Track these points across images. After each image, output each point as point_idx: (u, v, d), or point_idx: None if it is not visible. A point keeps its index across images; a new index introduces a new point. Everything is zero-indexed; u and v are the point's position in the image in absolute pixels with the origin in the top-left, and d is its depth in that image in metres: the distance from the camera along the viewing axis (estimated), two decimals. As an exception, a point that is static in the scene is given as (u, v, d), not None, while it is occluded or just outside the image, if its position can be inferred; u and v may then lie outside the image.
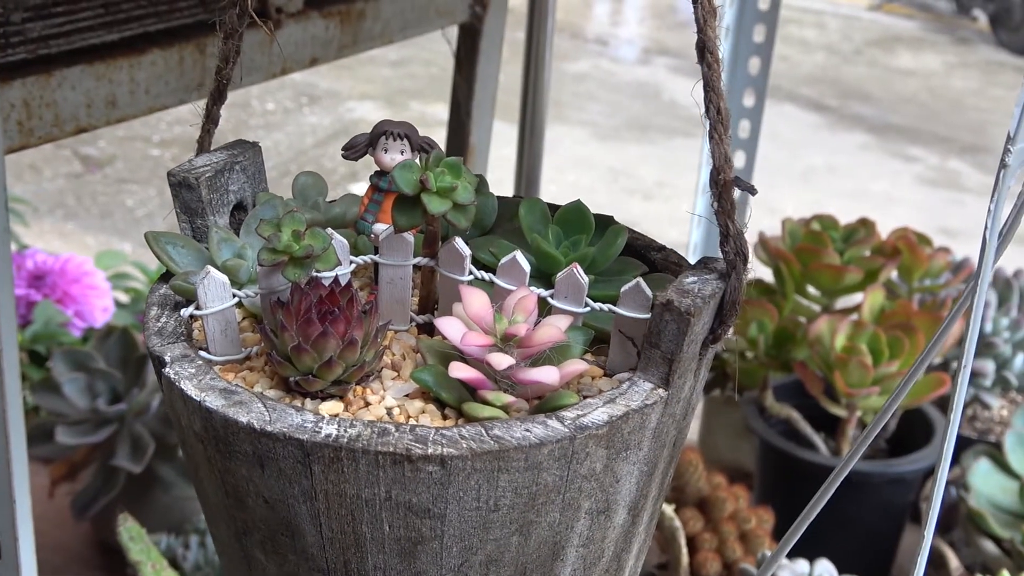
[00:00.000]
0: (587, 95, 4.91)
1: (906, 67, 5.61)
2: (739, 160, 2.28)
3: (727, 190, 0.71)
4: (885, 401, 0.81)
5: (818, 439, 1.76)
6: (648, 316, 0.72)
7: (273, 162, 3.85)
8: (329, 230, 0.76)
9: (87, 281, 2.09)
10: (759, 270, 2.27)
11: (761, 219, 3.16)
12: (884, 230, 1.97)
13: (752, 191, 0.71)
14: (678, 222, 3.44)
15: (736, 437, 1.97)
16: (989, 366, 1.88)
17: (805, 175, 4.11)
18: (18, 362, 1.05)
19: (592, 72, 5.23)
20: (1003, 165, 0.66)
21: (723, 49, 2.20)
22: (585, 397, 0.71)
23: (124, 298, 2.24)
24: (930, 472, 1.73)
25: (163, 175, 3.80)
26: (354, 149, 0.80)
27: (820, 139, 4.49)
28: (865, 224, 1.93)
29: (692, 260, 2.53)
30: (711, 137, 0.70)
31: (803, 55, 5.58)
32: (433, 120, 4.21)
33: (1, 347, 1.02)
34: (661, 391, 0.71)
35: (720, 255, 0.74)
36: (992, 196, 0.67)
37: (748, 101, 2.24)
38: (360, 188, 3.68)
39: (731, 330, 0.74)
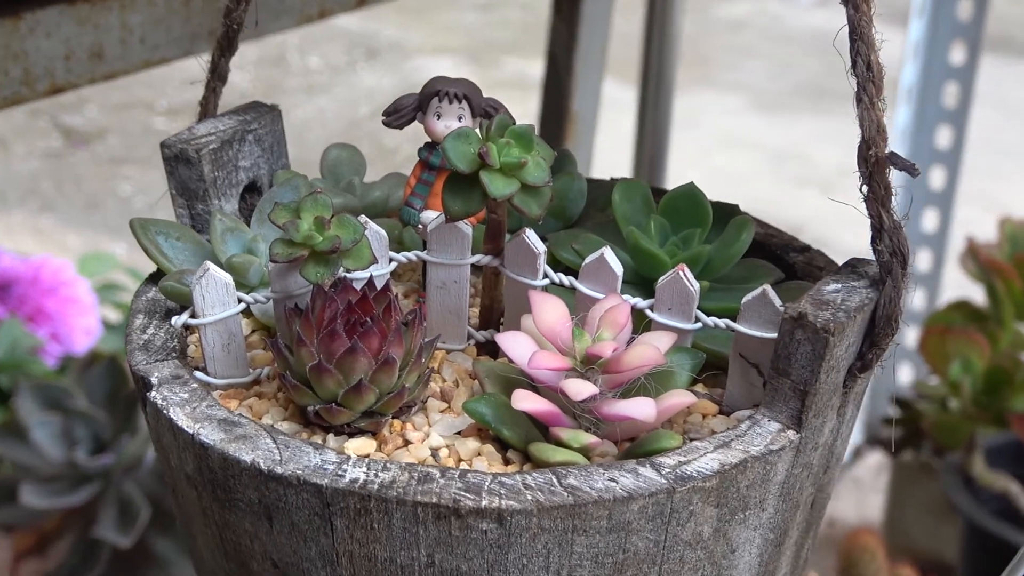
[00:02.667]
0: (744, 49, 4.92)
1: None
2: (944, 137, 2.30)
3: (880, 170, 0.74)
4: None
5: (1044, 520, 1.76)
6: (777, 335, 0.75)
7: (316, 135, 3.92)
8: (363, 218, 0.81)
9: (66, 292, 2.14)
10: (967, 288, 2.27)
11: (978, 219, 3.14)
12: None
13: (913, 172, 0.74)
14: (865, 223, 3.43)
15: (933, 516, 1.98)
16: None
17: (1046, 160, 4.07)
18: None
19: (752, 18, 5.24)
20: None
21: (924, -14, 2.21)
22: (692, 440, 0.75)
23: (114, 316, 2.30)
24: None
25: (170, 154, 3.86)
26: (398, 114, 0.85)
27: (1069, 111, 4.44)
28: (1114, 227, 1.93)
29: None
30: (859, 100, 0.73)
31: (1049, -5, 5.53)
32: (532, 82, 4.24)
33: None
34: (791, 433, 0.74)
35: (872, 256, 0.77)
36: None
37: (956, 57, 2.26)
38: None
39: (884, 355, 0.77)
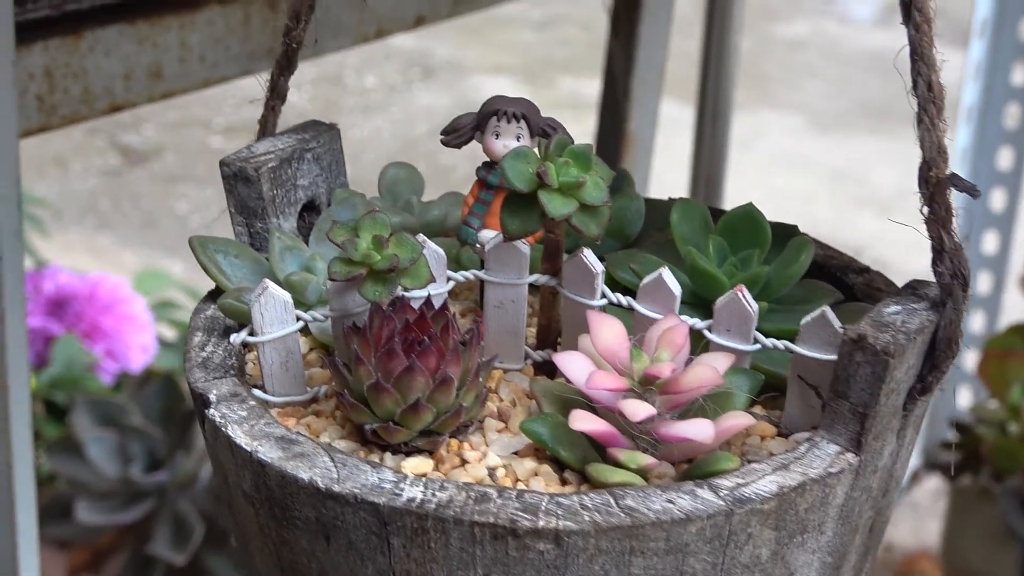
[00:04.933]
0: (804, 68, 4.91)
1: None
2: (1005, 158, 2.29)
3: (940, 191, 0.74)
4: None
5: (1106, 546, 1.75)
6: (836, 358, 0.76)
7: (373, 155, 3.94)
8: (421, 237, 0.81)
9: (122, 310, 2.17)
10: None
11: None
12: None
13: (974, 193, 0.74)
14: (925, 244, 3.42)
15: (992, 541, 1.97)
16: None
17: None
18: (31, 416, 1.12)
19: (812, 38, 5.24)
20: None
21: (985, 8, 2.21)
22: (750, 462, 0.75)
23: (170, 334, 2.33)
24: None
25: (226, 172, 3.89)
26: (457, 133, 0.85)
27: None
28: None
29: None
30: (919, 121, 0.74)
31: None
32: (590, 101, 4.25)
33: (9, 401, 1.09)
34: (850, 456, 0.74)
35: (933, 277, 0.77)
36: None
37: (1018, 77, 2.25)
38: (487, 192, 3.71)
39: (944, 377, 0.77)
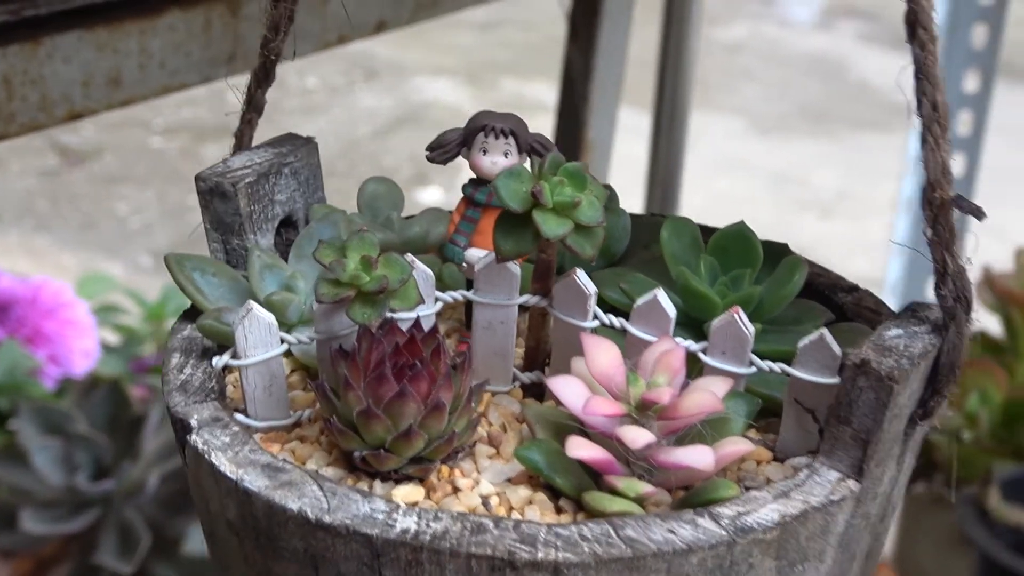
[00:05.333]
0: (743, 72, 4.93)
1: None
2: (957, 166, 2.29)
3: (945, 212, 0.73)
4: None
5: (1063, 555, 1.76)
6: (835, 381, 0.74)
7: (315, 158, 3.92)
8: (408, 256, 0.79)
9: (65, 314, 2.14)
10: (983, 319, 2.26)
11: (987, 248, 3.14)
12: None
13: (979, 215, 0.73)
14: (868, 249, 3.44)
15: (946, 549, 1.97)
16: None
17: (1050, 187, 4.08)
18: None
19: (751, 41, 5.25)
20: None
21: (938, 14, 2.21)
22: (748, 488, 0.73)
23: (113, 338, 2.29)
24: None
25: (166, 173, 3.90)
26: (443, 149, 0.83)
27: (1073, 137, 4.45)
28: None
29: (890, 303, 2.53)
30: (924, 141, 0.72)
31: (1048, 19, 5.54)
32: (532, 103, 4.26)
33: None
34: (852, 483, 0.73)
35: (935, 300, 0.75)
36: None
37: (970, 85, 2.26)
38: (430, 195, 3.73)
39: (946, 402, 0.76)
